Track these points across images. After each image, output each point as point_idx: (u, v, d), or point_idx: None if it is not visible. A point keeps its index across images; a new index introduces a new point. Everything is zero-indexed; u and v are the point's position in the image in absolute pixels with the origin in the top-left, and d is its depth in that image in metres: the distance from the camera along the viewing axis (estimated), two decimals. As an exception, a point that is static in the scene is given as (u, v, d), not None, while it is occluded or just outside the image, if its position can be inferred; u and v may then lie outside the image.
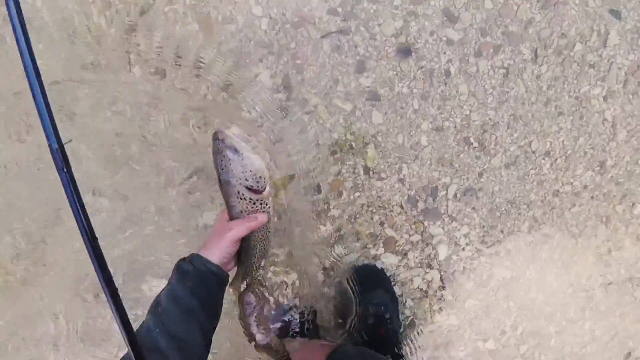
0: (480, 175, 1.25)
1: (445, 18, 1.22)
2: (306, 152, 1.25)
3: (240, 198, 0.82)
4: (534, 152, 1.25)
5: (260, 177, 0.81)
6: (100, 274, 0.60)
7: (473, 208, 1.27)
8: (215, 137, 0.78)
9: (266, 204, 0.84)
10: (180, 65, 1.24)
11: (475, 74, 1.23)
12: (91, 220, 0.60)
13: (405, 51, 1.22)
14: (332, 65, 1.23)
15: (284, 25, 1.22)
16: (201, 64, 1.24)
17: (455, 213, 1.27)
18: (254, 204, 0.83)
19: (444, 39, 1.23)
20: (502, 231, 1.27)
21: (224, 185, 0.81)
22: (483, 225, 1.28)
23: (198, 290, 0.78)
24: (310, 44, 1.22)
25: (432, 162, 1.26)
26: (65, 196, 0.58)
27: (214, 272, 0.81)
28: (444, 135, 1.25)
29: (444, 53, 1.23)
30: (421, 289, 1.29)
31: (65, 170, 0.59)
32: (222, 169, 0.79)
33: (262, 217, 0.85)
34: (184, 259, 0.83)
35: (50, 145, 0.58)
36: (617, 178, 1.27)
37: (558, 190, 1.27)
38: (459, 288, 1.29)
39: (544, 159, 1.25)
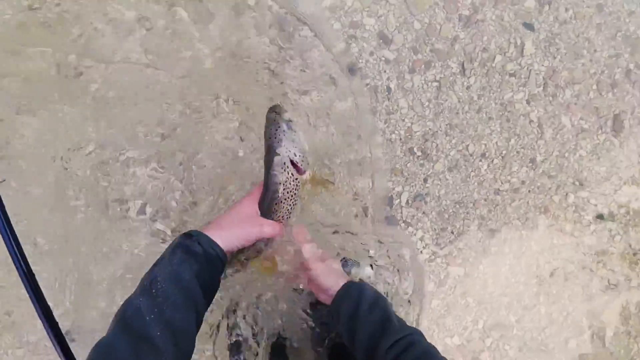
0: (425, 180, 1.35)
1: (380, 40, 1.34)
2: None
3: (284, 170, 0.85)
4: (471, 155, 1.37)
5: (305, 158, 0.86)
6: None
7: (423, 212, 1.36)
8: (273, 110, 0.85)
9: (299, 187, 0.88)
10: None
11: (411, 89, 1.35)
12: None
13: (350, 70, 1.33)
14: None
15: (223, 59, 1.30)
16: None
17: (409, 219, 1.35)
18: (293, 180, 0.86)
19: (383, 58, 1.34)
20: (452, 232, 1.36)
21: (272, 154, 0.84)
22: (434, 228, 1.37)
23: (203, 275, 0.70)
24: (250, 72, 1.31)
25: (385, 173, 1.35)
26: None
27: (220, 259, 0.74)
28: (393, 147, 1.35)
29: (384, 71, 1.35)
30: (388, 294, 1.35)
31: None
32: (275, 138, 0.84)
33: (280, 230, 0.84)
34: (189, 236, 0.73)
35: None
36: (549, 172, 1.40)
37: (499, 189, 1.39)
38: (423, 290, 1.36)
39: (481, 160, 1.37)
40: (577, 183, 1.40)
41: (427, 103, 1.35)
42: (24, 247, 0.60)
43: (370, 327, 0.78)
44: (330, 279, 0.87)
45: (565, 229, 1.40)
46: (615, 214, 1.41)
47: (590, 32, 1.40)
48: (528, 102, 1.38)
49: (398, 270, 1.34)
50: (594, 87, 1.39)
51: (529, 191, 1.39)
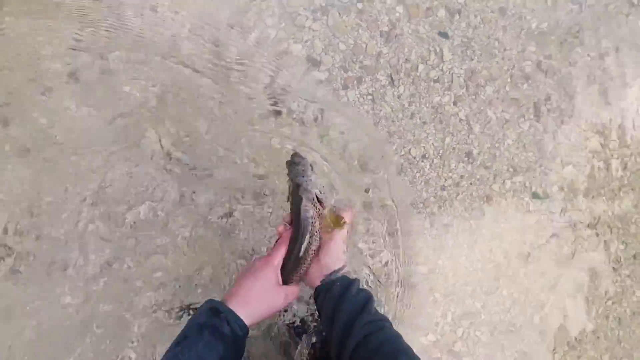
0: (367, 191, 1.42)
1: (310, 64, 1.43)
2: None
3: (313, 204, 0.98)
4: (414, 157, 1.46)
5: (324, 194, 1.02)
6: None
7: (378, 220, 1.43)
8: (297, 155, 1.02)
9: (319, 221, 0.99)
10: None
11: (348, 103, 1.43)
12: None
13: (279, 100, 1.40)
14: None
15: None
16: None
17: (365, 227, 1.41)
18: (319, 214, 0.98)
19: (313, 80, 1.42)
20: (403, 233, 1.43)
21: (301, 191, 0.97)
22: (390, 232, 1.43)
23: (227, 356, 0.72)
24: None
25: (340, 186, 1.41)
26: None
27: (245, 338, 0.77)
28: (337, 161, 1.42)
29: (315, 96, 1.42)
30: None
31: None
32: (303, 177, 0.98)
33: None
34: (216, 312, 0.74)
35: None
36: (485, 163, 1.51)
37: (443, 185, 1.48)
38: (389, 294, 1.41)
39: (422, 161, 1.46)
40: (511, 169, 1.52)
41: (365, 115, 1.44)
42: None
43: (354, 306, 0.86)
44: (337, 262, 0.94)
45: (508, 213, 1.51)
46: (549, 192, 1.54)
47: (498, 34, 1.55)
48: (455, 103, 1.50)
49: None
50: (509, 80, 1.54)
51: (471, 183, 1.49)
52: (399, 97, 1.46)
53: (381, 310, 1.38)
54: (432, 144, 1.47)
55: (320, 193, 1.00)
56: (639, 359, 1.67)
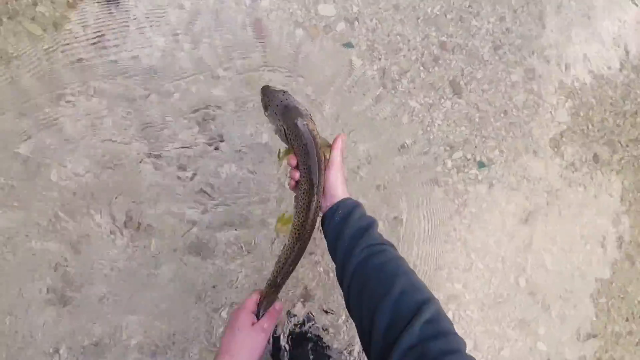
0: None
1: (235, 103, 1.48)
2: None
3: (310, 119, 0.95)
4: (350, 170, 1.49)
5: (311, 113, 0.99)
6: None
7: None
8: (268, 87, 0.99)
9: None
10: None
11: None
12: None
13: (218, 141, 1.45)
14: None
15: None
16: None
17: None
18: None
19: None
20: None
21: (292, 112, 0.93)
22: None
23: None
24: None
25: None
26: None
27: None
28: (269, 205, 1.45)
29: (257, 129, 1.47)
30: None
31: None
32: (287, 98, 0.96)
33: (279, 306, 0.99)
34: None
35: None
36: (422, 149, 1.55)
37: (381, 185, 1.51)
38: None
39: (359, 167, 1.50)
40: (448, 148, 1.56)
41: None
42: None
43: (356, 231, 0.87)
44: (339, 190, 0.95)
45: (458, 189, 1.54)
46: (492, 157, 1.58)
47: (397, 28, 1.63)
48: (376, 102, 1.56)
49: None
50: (421, 68, 1.60)
51: (415, 174, 1.53)
52: (326, 116, 1.52)
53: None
54: (364, 150, 1.51)
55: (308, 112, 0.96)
56: (632, 291, 1.68)
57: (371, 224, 0.89)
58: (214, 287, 1.35)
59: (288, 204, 1.41)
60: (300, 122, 0.92)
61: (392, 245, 0.87)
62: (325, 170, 0.95)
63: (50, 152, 1.35)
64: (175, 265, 1.34)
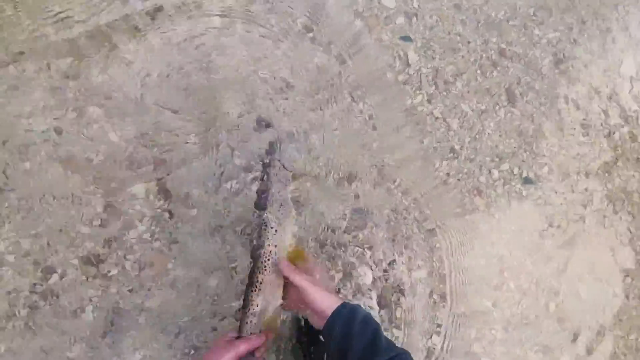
0: (358, 201, 1.41)
1: (284, 84, 1.44)
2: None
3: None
4: (392, 166, 1.44)
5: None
6: None
7: (369, 230, 1.40)
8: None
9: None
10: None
11: (322, 124, 1.43)
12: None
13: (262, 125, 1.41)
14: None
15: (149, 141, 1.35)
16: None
17: (356, 241, 1.39)
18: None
19: (285, 100, 1.43)
20: (396, 242, 1.40)
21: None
22: (387, 238, 1.40)
23: None
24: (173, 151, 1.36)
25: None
26: None
27: None
28: (320, 179, 1.40)
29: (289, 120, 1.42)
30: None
31: None
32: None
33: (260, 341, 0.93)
34: None
35: None
36: (469, 156, 1.49)
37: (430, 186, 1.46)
38: (391, 303, 1.38)
39: (399, 167, 1.44)
40: (496, 159, 1.50)
41: (336, 133, 1.44)
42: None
43: (363, 344, 0.82)
44: (325, 302, 0.90)
45: (500, 203, 1.48)
46: (540, 174, 1.51)
47: (458, 28, 1.56)
48: (428, 102, 1.50)
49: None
50: (478, 71, 1.54)
51: (458, 180, 1.47)
52: (367, 108, 1.46)
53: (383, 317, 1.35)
54: (411, 147, 1.46)
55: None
56: (668, 332, 1.59)
57: (375, 333, 0.85)
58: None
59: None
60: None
61: (405, 353, 0.83)
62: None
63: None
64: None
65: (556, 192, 1.53)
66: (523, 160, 1.51)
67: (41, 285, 1.23)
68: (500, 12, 1.58)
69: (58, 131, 1.30)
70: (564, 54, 1.61)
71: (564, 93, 1.57)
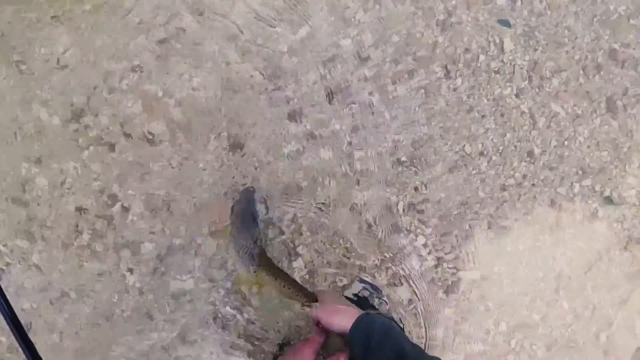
0: (417, 189, 1.34)
1: (359, 59, 1.36)
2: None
3: None
4: (469, 154, 1.35)
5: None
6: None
7: (419, 220, 1.34)
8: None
9: None
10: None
11: (397, 98, 1.35)
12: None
13: (331, 94, 1.34)
14: (269, 118, 1.33)
15: (223, 91, 1.32)
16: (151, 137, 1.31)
17: (410, 226, 1.33)
18: None
19: (362, 76, 1.35)
20: (457, 235, 1.33)
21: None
22: (436, 234, 1.34)
23: None
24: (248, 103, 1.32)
25: (379, 185, 1.33)
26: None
27: None
28: (382, 159, 1.34)
29: (363, 89, 1.35)
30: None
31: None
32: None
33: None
34: None
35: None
36: (550, 163, 1.37)
37: (504, 184, 1.36)
38: (432, 298, 1.33)
39: (479, 159, 1.35)
40: (580, 171, 1.37)
41: (416, 109, 1.35)
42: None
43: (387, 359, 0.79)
44: (342, 320, 0.89)
45: (575, 218, 1.37)
46: (625, 196, 1.38)
47: (568, 21, 1.41)
48: (517, 96, 1.38)
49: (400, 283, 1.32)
50: (581, 72, 1.39)
51: (533, 185, 1.37)
52: (455, 89, 1.36)
53: (422, 310, 1.31)
54: (492, 139, 1.36)
55: None
56: None
57: (397, 342, 0.82)
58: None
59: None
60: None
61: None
62: None
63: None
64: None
65: (637, 219, 1.40)
66: (609, 178, 1.37)
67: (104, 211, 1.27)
68: (621, 6, 1.40)
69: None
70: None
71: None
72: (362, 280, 1.29)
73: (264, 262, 1.10)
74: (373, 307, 1.24)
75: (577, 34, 1.41)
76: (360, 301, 1.24)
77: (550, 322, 1.37)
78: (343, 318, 0.88)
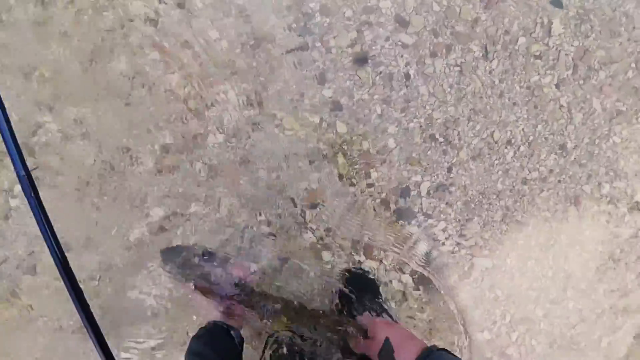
0: (450, 170, 1.30)
1: (397, 24, 1.30)
2: (277, 169, 1.30)
3: None
4: (496, 142, 1.30)
5: None
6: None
7: (447, 203, 1.31)
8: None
9: None
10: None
11: (432, 74, 1.30)
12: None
13: (361, 60, 1.29)
14: (295, 80, 1.29)
15: (244, 45, 1.29)
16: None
17: (430, 210, 1.31)
18: None
19: (399, 43, 1.30)
20: (478, 223, 1.30)
21: None
22: (459, 219, 1.31)
23: None
24: (270, 62, 1.29)
25: (400, 163, 1.31)
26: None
27: None
28: (410, 136, 1.30)
29: (401, 56, 1.30)
30: (400, 290, 1.32)
31: (33, 195, 0.64)
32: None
33: None
34: None
35: (17, 173, 0.63)
36: (580, 159, 1.31)
37: (526, 178, 1.31)
38: (444, 282, 1.32)
39: (506, 148, 1.30)
40: (611, 172, 1.30)
41: (448, 88, 1.30)
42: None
43: None
44: (412, 353, 0.88)
45: (598, 220, 1.31)
46: (655, 204, 1.31)
47: (628, 6, 1.29)
48: (557, 87, 1.30)
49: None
50: (632, 65, 1.29)
51: (559, 181, 1.31)
52: (490, 72, 1.29)
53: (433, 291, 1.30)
54: (522, 129, 1.30)
55: None
56: None
57: None
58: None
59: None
60: None
61: None
62: None
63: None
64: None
65: (665, 229, 1.33)
66: (642, 184, 1.31)
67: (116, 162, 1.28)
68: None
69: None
70: None
71: None
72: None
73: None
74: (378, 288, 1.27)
75: (635, 23, 1.30)
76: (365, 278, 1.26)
77: (553, 320, 1.36)
78: (412, 350, 0.88)
